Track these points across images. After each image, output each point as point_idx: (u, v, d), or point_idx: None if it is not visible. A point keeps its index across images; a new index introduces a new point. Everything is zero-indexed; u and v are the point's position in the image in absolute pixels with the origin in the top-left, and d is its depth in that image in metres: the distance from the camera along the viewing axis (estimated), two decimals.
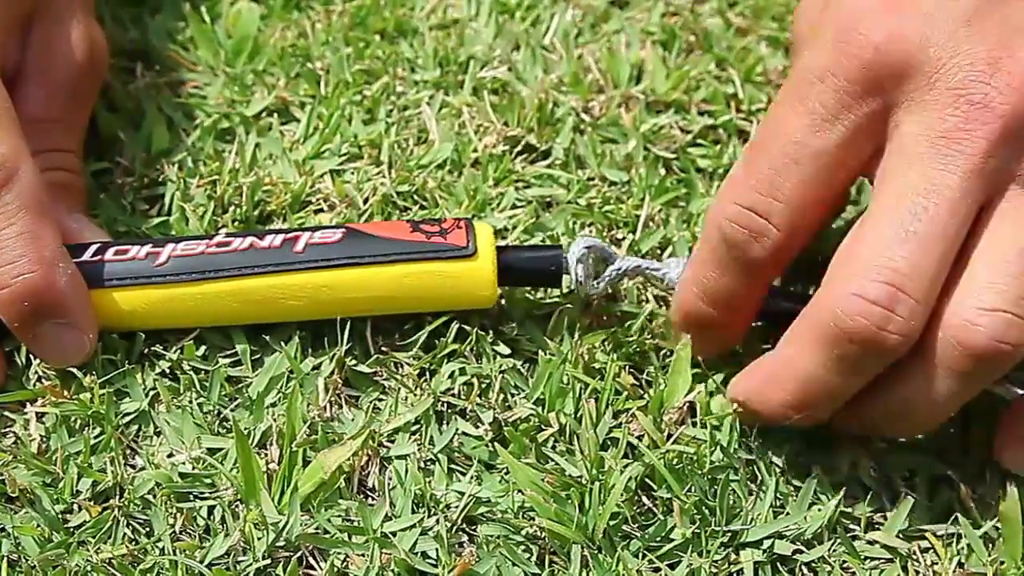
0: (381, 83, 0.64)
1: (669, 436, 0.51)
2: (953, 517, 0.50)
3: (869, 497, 0.51)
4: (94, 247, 0.51)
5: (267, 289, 0.51)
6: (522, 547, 0.48)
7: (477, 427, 0.51)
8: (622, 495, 0.48)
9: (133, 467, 0.49)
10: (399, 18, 0.67)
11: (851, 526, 0.50)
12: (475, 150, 0.61)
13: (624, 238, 0.58)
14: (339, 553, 0.47)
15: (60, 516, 0.47)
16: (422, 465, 0.50)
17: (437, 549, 0.47)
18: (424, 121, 0.62)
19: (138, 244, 0.51)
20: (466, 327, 0.53)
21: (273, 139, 0.61)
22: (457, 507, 0.48)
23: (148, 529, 0.48)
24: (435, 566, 0.47)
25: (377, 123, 0.62)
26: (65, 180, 0.54)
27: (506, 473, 0.50)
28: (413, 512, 0.48)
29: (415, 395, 0.51)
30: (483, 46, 0.67)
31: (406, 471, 0.49)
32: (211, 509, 0.48)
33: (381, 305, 0.52)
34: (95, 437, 0.49)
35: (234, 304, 0.51)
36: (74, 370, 0.51)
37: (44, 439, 0.50)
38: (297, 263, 0.50)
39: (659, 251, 0.58)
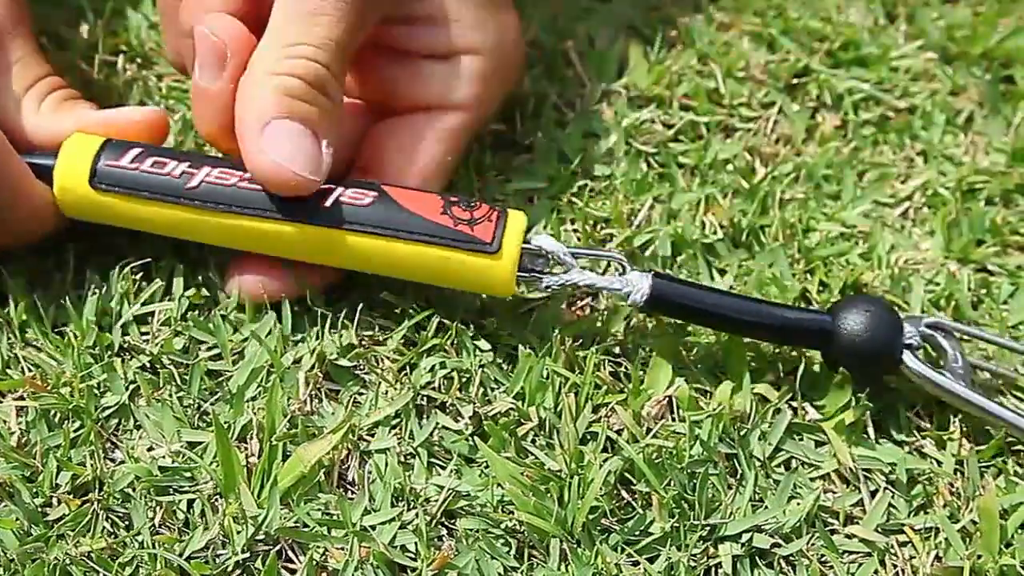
0: None
1: (648, 430, 0.51)
2: (931, 511, 0.51)
3: (847, 491, 0.51)
4: (135, 151, 0.51)
5: (289, 235, 0.51)
6: (501, 541, 0.48)
7: (457, 421, 0.51)
8: (601, 489, 0.48)
9: (113, 461, 0.49)
10: None
11: (829, 520, 0.50)
12: None
13: (609, 234, 0.58)
14: (318, 547, 0.47)
15: (39, 509, 0.47)
16: (402, 459, 0.50)
17: (416, 543, 0.47)
18: None
19: (176, 159, 0.51)
20: (447, 321, 0.53)
21: None
22: (437, 501, 0.48)
23: (127, 523, 0.47)
24: (414, 559, 0.47)
25: None
26: None
27: (486, 467, 0.50)
28: (392, 506, 0.48)
29: (395, 389, 0.51)
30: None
31: (386, 465, 0.49)
32: (191, 503, 0.48)
33: (398, 273, 0.52)
34: (75, 431, 0.49)
35: (252, 240, 0.52)
36: (54, 363, 0.51)
37: (24, 432, 0.49)
38: (323, 219, 0.51)
39: (642, 249, 0.58)
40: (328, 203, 0.51)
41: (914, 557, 0.49)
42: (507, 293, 0.52)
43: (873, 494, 0.51)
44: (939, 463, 0.52)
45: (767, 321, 0.52)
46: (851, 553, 0.49)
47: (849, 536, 0.50)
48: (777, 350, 0.55)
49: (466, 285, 0.52)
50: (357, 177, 0.54)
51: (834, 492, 0.51)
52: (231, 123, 0.51)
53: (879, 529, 0.50)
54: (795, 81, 0.68)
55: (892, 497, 0.51)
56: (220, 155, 0.55)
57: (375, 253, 0.51)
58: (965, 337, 0.55)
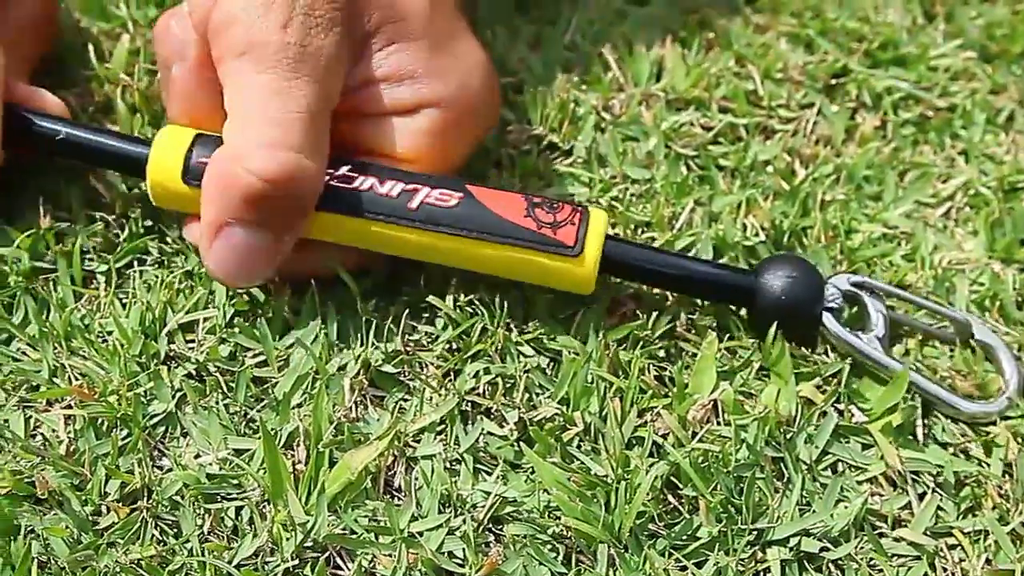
0: None
1: (694, 434, 0.51)
2: (980, 514, 0.50)
3: (895, 494, 0.51)
4: None
5: (373, 233, 0.52)
6: (548, 546, 0.48)
7: (502, 427, 0.51)
8: (648, 494, 0.48)
9: (161, 468, 0.50)
10: None
11: (878, 523, 0.50)
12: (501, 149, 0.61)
13: (651, 238, 0.58)
14: (366, 553, 0.47)
15: (89, 518, 0.48)
16: (448, 465, 0.50)
17: (464, 549, 0.47)
18: None
19: None
20: (490, 327, 0.53)
21: None
22: (483, 507, 0.48)
23: (176, 530, 0.48)
24: (462, 566, 0.47)
25: None
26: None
27: (532, 472, 0.50)
28: (440, 512, 0.48)
29: (440, 395, 0.52)
30: (502, 46, 0.67)
31: (432, 471, 0.49)
32: (239, 510, 0.48)
33: (481, 270, 0.53)
34: (123, 439, 0.50)
35: (338, 233, 0.52)
36: (101, 372, 0.51)
37: (72, 441, 0.50)
38: (408, 219, 0.51)
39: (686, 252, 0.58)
40: (414, 204, 0.51)
41: (964, 560, 0.49)
42: (586, 291, 0.53)
43: (921, 497, 0.51)
44: (987, 465, 0.52)
45: (695, 277, 0.54)
46: (900, 556, 0.49)
47: (898, 539, 0.50)
48: (821, 352, 0.55)
49: (547, 282, 0.53)
50: None
51: (882, 495, 0.51)
52: (195, 112, 0.54)
53: (928, 532, 0.50)
54: (834, 82, 0.68)
55: (940, 500, 0.51)
56: None
57: (457, 252, 0.52)
58: (893, 299, 0.56)
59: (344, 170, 0.52)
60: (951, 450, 0.52)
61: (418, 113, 0.53)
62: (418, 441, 0.51)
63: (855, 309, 0.55)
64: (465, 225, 0.51)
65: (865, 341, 0.53)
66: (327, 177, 0.51)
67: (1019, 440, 0.52)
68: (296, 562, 0.46)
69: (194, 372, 0.52)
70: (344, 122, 0.53)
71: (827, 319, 0.53)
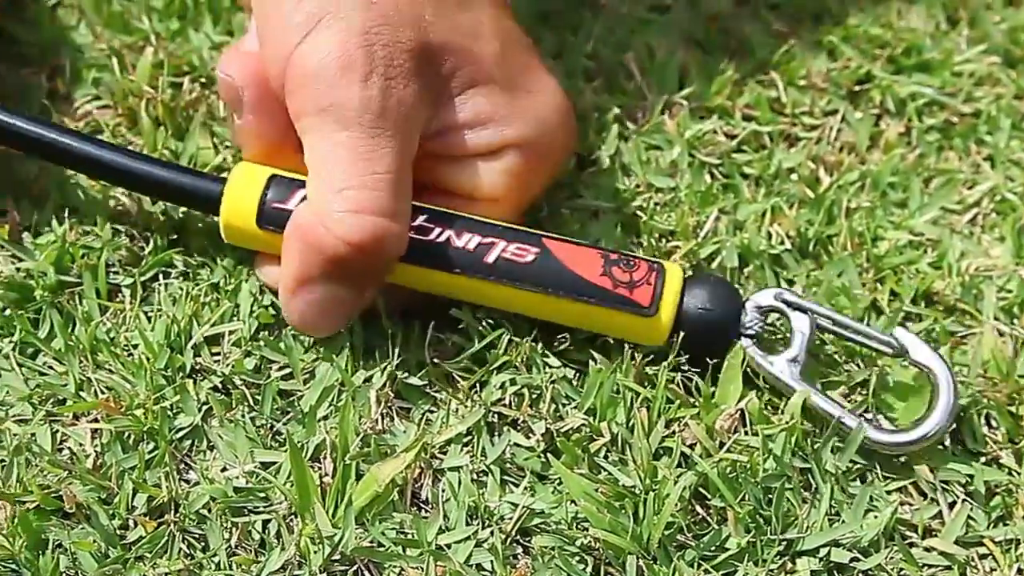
0: None
1: (722, 444, 0.51)
2: (1011, 523, 0.50)
3: (925, 504, 0.50)
4: (302, 192, 0.51)
5: (449, 285, 0.52)
6: (577, 558, 0.48)
7: (529, 438, 0.51)
8: (676, 504, 0.48)
9: (187, 482, 0.50)
10: None
11: (908, 533, 0.50)
12: None
13: (675, 247, 0.58)
14: (394, 566, 0.47)
15: (116, 532, 0.48)
16: (475, 477, 0.50)
17: (492, 561, 0.47)
18: None
19: None
20: (516, 338, 0.53)
21: None
22: (511, 518, 0.48)
23: (204, 544, 0.48)
24: None
25: None
26: None
27: (559, 484, 0.50)
28: (467, 524, 0.48)
29: (466, 406, 0.51)
30: None
31: (459, 483, 0.49)
32: (266, 523, 0.48)
33: (555, 322, 0.53)
34: (149, 452, 0.50)
35: (414, 284, 0.52)
36: (127, 385, 0.51)
37: (99, 455, 0.50)
38: (484, 274, 0.51)
39: (709, 261, 0.58)
40: (491, 259, 0.51)
41: (995, 570, 0.49)
42: (659, 344, 0.52)
43: (951, 506, 0.50)
44: (1018, 474, 0.51)
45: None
46: (931, 567, 0.49)
47: (928, 549, 0.49)
48: (848, 360, 0.54)
49: (620, 336, 0.53)
50: None
51: (911, 505, 0.51)
52: (266, 152, 0.53)
53: (959, 542, 0.49)
54: (857, 88, 0.67)
55: (971, 509, 0.50)
56: None
57: (532, 306, 0.52)
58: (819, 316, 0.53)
59: (421, 220, 0.51)
60: (982, 459, 0.52)
61: (499, 155, 0.53)
62: (445, 453, 0.50)
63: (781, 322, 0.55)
64: (541, 282, 0.51)
65: (773, 363, 0.52)
66: None
67: None
68: (324, 575, 0.46)
69: (220, 385, 0.52)
70: (423, 163, 0.52)
71: (745, 343, 0.52)
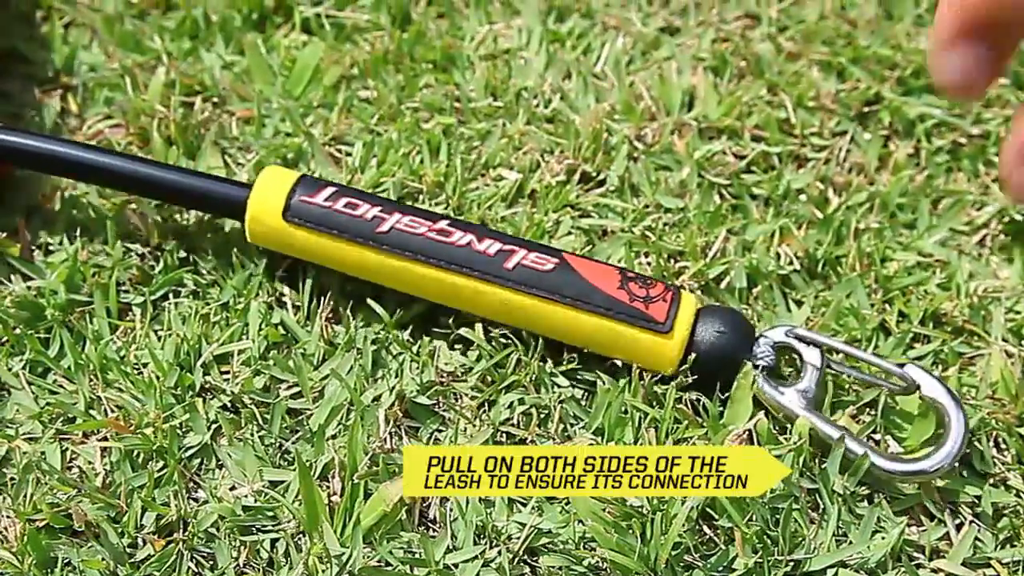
0: (435, 116, 0.64)
1: None
2: (1018, 544, 0.50)
3: (932, 525, 0.50)
4: (329, 190, 0.53)
5: (467, 289, 0.52)
6: None
7: None
8: (684, 524, 0.48)
9: (196, 501, 0.50)
10: (447, 49, 0.68)
11: (915, 554, 0.50)
12: (535, 180, 0.61)
13: (684, 267, 0.58)
14: None
15: (125, 550, 0.48)
16: (483, 496, 0.50)
17: None
18: (482, 152, 0.63)
19: (368, 202, 0.53)
20: (524, 357, 0.53)
21: (329, 171, 0.61)
22: (519, 538, 0.48)
23: (212, 562, 0.48)
24: None
25: (437, 156, 0.62)
26: None
27: (567, 503, 0.50)
28: (475, 544, 0.48)
29: (474, 426, 0.52)
30: (535, 76, 0.67)
31: (467, 502, 0.49)
32: (274, 542, 0.48)
33: (566, 337, 0.53)
34: (158, 471, 0.50)
35: (433, 289, 0.53)
36: (136, 404, 0.51)
37: (108, 473, 0.50)
38: (503, 279, 0.52)
39: (717, 281, 0.58)
40: (511, 265, 0.52)
41: None
42: (669, 370, 0.52)
43: (959, 527, 0.50)
44: None
45: None
46: None
47: (935, 570, 0.49)
48: (856, 381, 0.54)
49: (631, 358, 0.53)
50: None
51: (919, 526, 0.51)
52: None
53: (966, 563, 0.49)
54: (866, 109, 0.67)
55: (978, 530, 0.50)
56: (409, 203, 0.57)
57: (548, 317, 0.52)
58: (828, 348, 0.53)
59: (443, 224, 0.52)
60: (990, 480, 0.52)
61: None
62: None
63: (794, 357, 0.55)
64: (559, 290, 0.51)
65: (784, 394, 0.52)
66: (424, 229, 0.52)
67: None
68: None
69: (229, 404, 0.52)
70: None
71: (756, 376, 0.52)
